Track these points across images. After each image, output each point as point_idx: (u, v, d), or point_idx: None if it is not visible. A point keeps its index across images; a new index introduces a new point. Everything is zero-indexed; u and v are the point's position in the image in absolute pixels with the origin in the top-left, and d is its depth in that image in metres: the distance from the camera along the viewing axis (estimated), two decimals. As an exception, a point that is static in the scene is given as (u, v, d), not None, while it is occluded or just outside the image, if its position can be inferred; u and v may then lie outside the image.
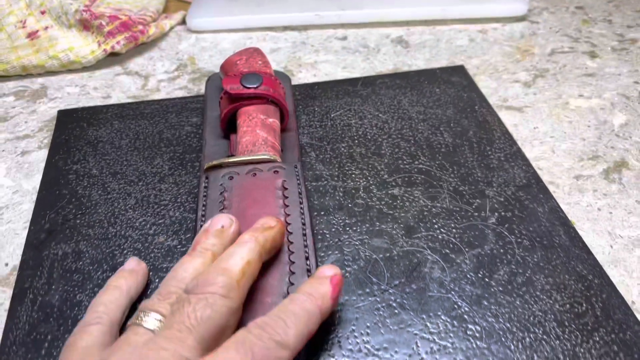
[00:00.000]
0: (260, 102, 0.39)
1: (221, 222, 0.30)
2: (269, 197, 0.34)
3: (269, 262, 0.29)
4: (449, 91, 0.46)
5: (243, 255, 0.27)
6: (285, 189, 0.34)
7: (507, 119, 0.44)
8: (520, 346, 0.28)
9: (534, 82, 0.48)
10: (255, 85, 0.39)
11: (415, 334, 0.29)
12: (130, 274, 0.30)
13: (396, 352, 0.28)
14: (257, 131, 0.37)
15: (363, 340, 0.29)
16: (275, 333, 0.24)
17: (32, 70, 0.50)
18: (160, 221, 0.35)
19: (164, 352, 0.22)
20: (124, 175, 0.38)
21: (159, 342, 0.23)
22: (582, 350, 0.28)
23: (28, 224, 0.35)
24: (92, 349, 0.24)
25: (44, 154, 0.41)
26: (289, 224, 0.32)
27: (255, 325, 0.24)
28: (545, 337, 0.29)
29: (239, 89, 0.38)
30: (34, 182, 0.39)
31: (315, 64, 0.51)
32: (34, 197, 0.38)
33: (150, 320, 0.25)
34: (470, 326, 0.29)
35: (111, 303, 0.27)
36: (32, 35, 0.50)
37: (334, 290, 0.27)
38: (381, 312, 0.30)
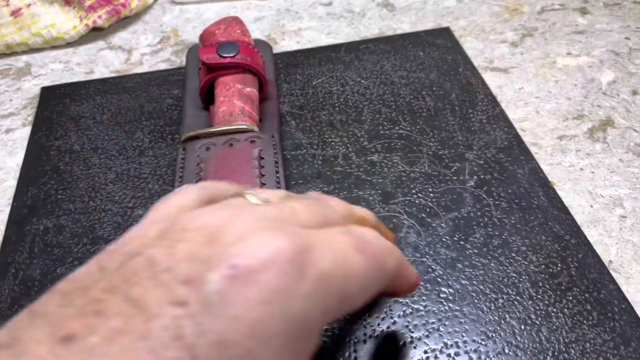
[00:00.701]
0: (238, 72, 0.38)
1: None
2: (245, 167, 0.34)
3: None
4: (433, 54, 0.45)
5: (365, 211, 0.24)
6: (262, 158, 0.34)
7: (492, 80, 0.43)
8: (492, 307, 0.28)
9: (522, 42, 0.47)
10: (231, 55, 0.38)
11: (388, 298, 0.29)
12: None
13: (369, 315, 0.28)
14: (234, 101, 0.37)
15: (336, 305, 0.29)
16: (384, 242, 0.21)
17: (16, 48, 0.50)
18: (140, 194, 0.35)
19: (273, 210, 0.19)
20: (105, 149, 0.39)
21: (268, 205, 0.20)
22: (554, 309, 0.28)
23: (11, 201, 0.36)
24: (185, 208, 0.20)
25: (28, 131, 0.42)
26: (264, 193, 0.32)
27: (362, 227, 0.21)
28: (518, 297, 0.29)
29: (215, 59, 0.38)
30: (18, 159, 0.39)
31: (299, 31, 0.50)
32: (18, 174, 0.38)
33: (253, 198, 0.21)
34: (443, 289, 0.29)
35: (216, 186, 0.23)
36: (15, 13, 0.50)
37: (417, 279, 0.24)
38: (355, 278, 0.30)
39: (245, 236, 0.17)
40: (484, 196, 0.34)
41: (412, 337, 0.27)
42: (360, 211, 0.24)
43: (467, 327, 0.28)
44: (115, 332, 0.14)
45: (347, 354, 0.27)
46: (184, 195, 0.21)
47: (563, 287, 0.29)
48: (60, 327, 0.14)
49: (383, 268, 0.20)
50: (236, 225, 0.17)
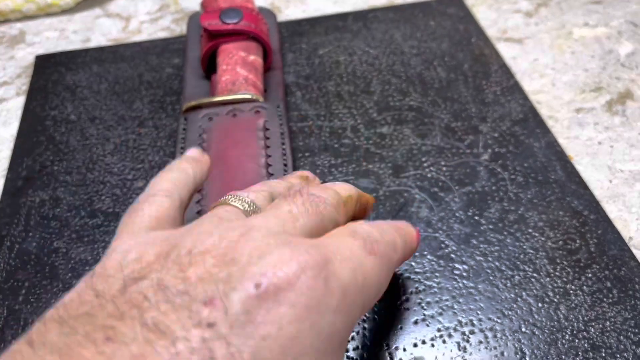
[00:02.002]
0: (241, 39, 0.37)
1: (306, 173, 0.26)
2: (249, 138, 0.32)
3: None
4: (445, 24, 0.43)
5: (346, 188, 0.23)
6: (267, 129, 0.33)
7: (506, 51, 0.41)
8: (508, 284, 0.27)
9: (537, 12, 0.45)
10: (235, 21, 0.36)
11: (400, 274, 0.28)
12: (194, 161, 0.24)
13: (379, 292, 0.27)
14: (237, 69, 0.35)
15: (346, 281, 0.28)
16: (387, 235, 0.21)
17: (9, 15, 0.48)
18: (140, 166, 0.34)
19: (274, 220, 0.19)
20: (103, 120, 0.37)
21: (265, 215, 0.19)
22: (573, 287, 0.27)
23: (6, 172, 0.34)
24: (161, 220, 0.20)
25: (22, 100, 0.40)
26: (270, 165, 0.31)
27: (361, 224, 0.20)
28: (535, 274, 0.28)
29: (217, 25, 0.36)
30: (12, 129, 0.38)
31: (304, -1, 0.48)
32: (12, 144, 0.36)
33: (240, 202, 0.21)
34: (457, 265, 0.28)
35: (179, 182, 0.22)
36: (8, -22, 0.48)
37: (418, 235, 0.24)
38: (365, 253, 0.29)
39: (262, 254, 0.16)
40: (499, 170, 0.32)
41: (424, 314, 0.26)
42: (343, 190, 0.23)
43: (482, 305, 0.26)
44: (136, 358, 0.14)
45: (356, 330, 0.26)
46: (157, 204, 0.21)
47: (582, 264, 0.28)
48: (70, 356, 0.14)
49: (392, 261, 0.20)
50: (248, 243, 0.17)
